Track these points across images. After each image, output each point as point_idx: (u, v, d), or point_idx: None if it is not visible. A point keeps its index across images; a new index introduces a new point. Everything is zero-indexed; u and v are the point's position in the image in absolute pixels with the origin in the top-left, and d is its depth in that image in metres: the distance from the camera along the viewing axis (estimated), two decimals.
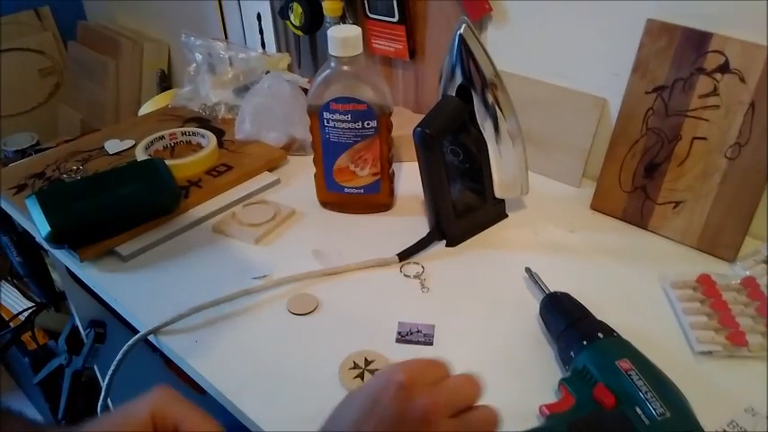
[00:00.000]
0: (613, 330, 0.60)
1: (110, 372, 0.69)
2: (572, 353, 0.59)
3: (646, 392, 0.51)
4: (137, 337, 0.68)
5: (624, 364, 0.54)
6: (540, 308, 0.67)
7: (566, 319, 0.62)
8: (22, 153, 1.54)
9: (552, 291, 0.68)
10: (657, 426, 0.49)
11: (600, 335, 0.58)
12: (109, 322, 1.18)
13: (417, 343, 0.67)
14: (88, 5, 1.89)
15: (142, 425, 0.44)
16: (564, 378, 0.58)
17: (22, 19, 1.83)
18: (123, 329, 1.07)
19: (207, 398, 1.15)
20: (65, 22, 1.87)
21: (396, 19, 1.01)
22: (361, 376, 0.62)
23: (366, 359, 0.64)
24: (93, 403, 1.25)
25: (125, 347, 0.68)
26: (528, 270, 0.73)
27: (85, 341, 1.16)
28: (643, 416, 0.50)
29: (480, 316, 0.70)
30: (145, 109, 1.22)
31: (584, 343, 0.58)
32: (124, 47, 1.62)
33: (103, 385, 0.73)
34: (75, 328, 1.21)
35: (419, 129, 0.72)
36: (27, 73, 1.86)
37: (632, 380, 0.53)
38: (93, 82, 1.71)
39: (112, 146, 1.01)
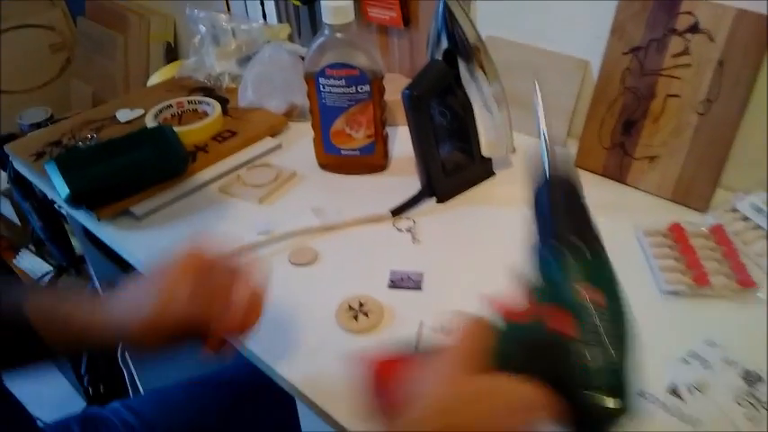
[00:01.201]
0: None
1: None
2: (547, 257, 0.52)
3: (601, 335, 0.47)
4: None
5: (596, 295, 0.48)
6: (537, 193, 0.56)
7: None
8: (37, 126, 1.59)
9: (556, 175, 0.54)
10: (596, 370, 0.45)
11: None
12: None
13: (407, 288, 0.73)
14: None
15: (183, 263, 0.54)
16: (537, 287, 0.51)
17: None
18: None
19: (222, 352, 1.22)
20: None
21: None
22: (355, 317, 0.68)
23: (360, 302, 0.70)
24: (113, 361, 1.34)
25: None
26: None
27: None
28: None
29: (466, 264, 0.76)
30: (153, 80, 1.27)
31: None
32: (132, 21, 1.67)
33: None
34: (94, 290, 1.28)
35: (407, 91, 0.77)
36: (38, 49, 1.91)
37: (596, 319, 0.48)
38: (103, 56, 1.76)
39: (123, 115, 1.06)
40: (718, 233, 0.75)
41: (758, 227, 0.76)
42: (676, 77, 0.80)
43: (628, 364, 0.46)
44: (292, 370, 0.64)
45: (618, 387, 0.45)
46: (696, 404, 0.58)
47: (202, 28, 1.18)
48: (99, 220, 0.86)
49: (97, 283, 1.26)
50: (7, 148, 1.02)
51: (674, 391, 0.59)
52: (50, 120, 1.65)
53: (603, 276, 0.50)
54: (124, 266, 1.24)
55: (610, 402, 0.44)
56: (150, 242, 0.83)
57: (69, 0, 1.93)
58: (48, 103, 1.81)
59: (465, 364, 0.41)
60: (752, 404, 0.58)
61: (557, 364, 0.45)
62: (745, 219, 0.77)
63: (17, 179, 1.28)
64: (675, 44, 0.79)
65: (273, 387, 0.66)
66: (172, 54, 1.71)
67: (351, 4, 0.80)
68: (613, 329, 0.47)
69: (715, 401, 0.58)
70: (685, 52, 0.78)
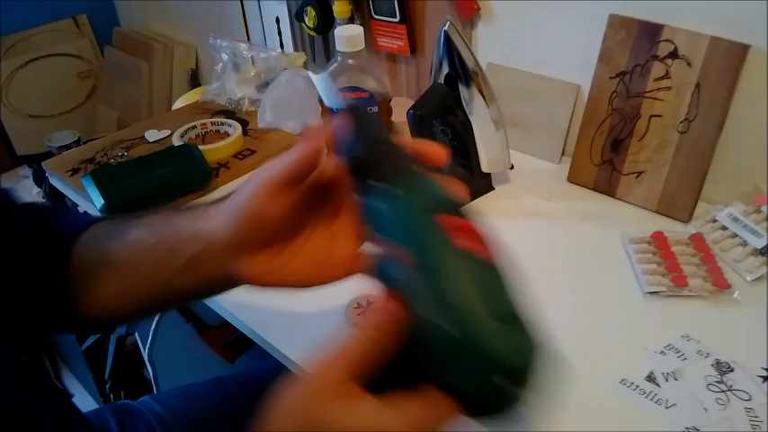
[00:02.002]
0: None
1: (157, 315, 0.83)
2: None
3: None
4: None
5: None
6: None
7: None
8: (67, 148, 1.69)
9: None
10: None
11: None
12: None
13: None
14: (122, 13, 2.05)
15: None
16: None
17: (62, 26, 2.00)
18: None
19: (239, 362, 1.30)
20: (101, 28, 2.04)
21: (398, 19, 1.14)
22: (363, 313, 0.75)
23: (368, 301, 0.77)
24: (134, 373, 1.40)
25: None
26: None
27: None
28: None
29: None
30: (178, 104, 1.37)
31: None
32: (156, 50, 1.77)
33: (151, 329, 0.87)
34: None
35: (411, 111, 0.85)
36: (67, 76, 2.02)
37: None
38: (128, 83, 1.87)
39: (152, 135, 1.15)
40: (697, 240, 0.82)
41: (735, 235, 0.82)
42: (659, 99, 0.87)
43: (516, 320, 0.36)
44: (304, 358, 0.70)
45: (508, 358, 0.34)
46: (671, 390, 0.64)
47: (224, 56, 1.28)
48: None
49: None
50: (45, 164, 1.10)
51: (652, 379, 0.65)
52: (78, 142, 1.75)
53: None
54: None
55: (500, 382, 0.34)
56: None
57: (97, 31, 2.04)
58: (75, 126, 1.91)
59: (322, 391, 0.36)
60: (722, 390, 0.64)
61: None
62: (724, 228, 0.84)
63: (51, 193, 1.37)
64: (657, 69, 0.86)
65: None
66: (195, 80, 1.81)
67: (362, 34, 0.89)
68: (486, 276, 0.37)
69: (688, 387, 0.64)
70: (666, 76, 0.86)
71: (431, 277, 0.36)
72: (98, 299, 0.52)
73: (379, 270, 0.40)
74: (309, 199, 0.47)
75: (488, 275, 0.37)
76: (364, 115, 0.45)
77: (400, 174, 0.40)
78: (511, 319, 0.36)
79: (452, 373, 0.35)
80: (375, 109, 0.92)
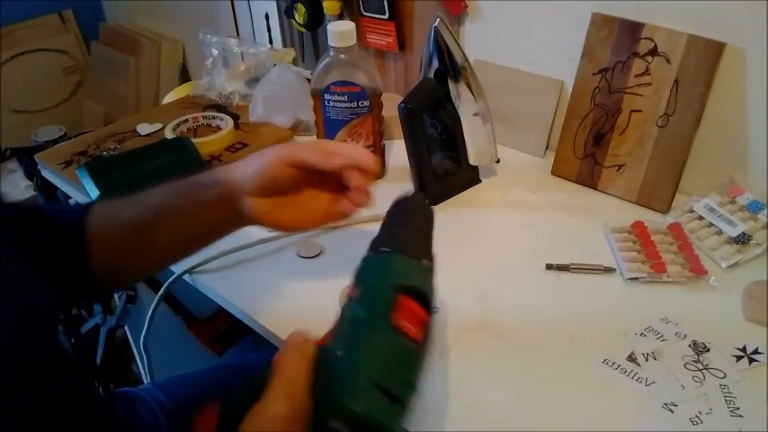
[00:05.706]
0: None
1: (153, 303, 0.85)
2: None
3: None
4: (177, 274, 0.84)
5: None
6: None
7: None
8: (54, 143, 1.69)
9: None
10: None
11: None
12: (138, 286, 1.34)
13: None
14: (108, 8, 2.05)
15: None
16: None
17: (47, 21, 2.00)
18: (149, 293, 1.24)
19: (227, 355, 1.30)
20: (86, 24, 2.04)
21: (386, 16, 1.17)
22: None
23: None
24: (124, 363, 1.40)
25: (168, 282, 0.83)
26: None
27: (118, 302, 1.32)
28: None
29: (454, 258, 0.86)
30: (168, 98, 1.38)
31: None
32: (144, 45, 1.78)
33: (146, 320, 0.88)
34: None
35: (402, 104, 0.88)
36: (52, 71, 2.02)
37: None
38: (115, 78, 1.87)
39: (143, 128, 1.17)
40: (675, 230, 0.86)
41: (711, 225, 0.86)
42: (639, 95, 0.91)
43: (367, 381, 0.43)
44: None
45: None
46: (651, 368, 0.68)
47: (214, 51, 1.30)
48: None
49: None
50: (37, 157, 1.11)
51: (633, 358, 0.69)
52: (65, 137, 1.75)
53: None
54: None
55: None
56: None
57: (83, 26, 2.04)
58: (60, 122, 1.91)
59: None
60: (698, 369, 0.67)
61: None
62: (701, 218, 0.88)
63: (43, 186, 1.38)
64: (638, 66, 0.90)
65: None
66: (185, 75, 1.82)
67: (353, 30, 0.91)
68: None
69: (667, 366, 0.68)
70: (646, 72, 0.89)
71: (358, 329, 0.46)
72: (121, 252, 0.65)
73: (341, 307, 0.50)
74: (310, 174, 0.63)
75: (403, 355, 0.45)
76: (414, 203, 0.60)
77: (406, 253, 0.52)
78: (389, 395, 0.42)
79: (319, 397, 0.43)
80: (367, 103, 0.95)
